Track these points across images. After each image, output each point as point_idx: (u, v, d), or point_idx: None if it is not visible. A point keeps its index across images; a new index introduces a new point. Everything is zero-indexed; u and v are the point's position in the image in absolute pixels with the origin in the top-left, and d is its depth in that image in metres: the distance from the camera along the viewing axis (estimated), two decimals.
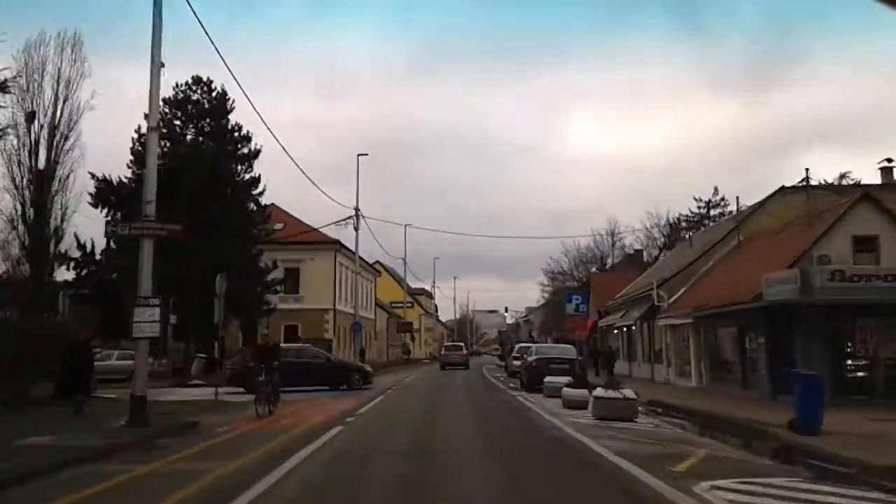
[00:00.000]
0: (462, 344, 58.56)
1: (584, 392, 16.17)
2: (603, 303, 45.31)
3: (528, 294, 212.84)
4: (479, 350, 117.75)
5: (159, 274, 15.23)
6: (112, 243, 31.53)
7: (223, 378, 23.68)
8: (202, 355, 28.33)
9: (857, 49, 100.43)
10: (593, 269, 61.90)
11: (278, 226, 50.27)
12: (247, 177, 37.70)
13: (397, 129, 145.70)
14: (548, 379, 20.10)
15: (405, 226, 59.28)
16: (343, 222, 37.47)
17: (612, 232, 61.39)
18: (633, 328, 37.17)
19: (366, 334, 61.50)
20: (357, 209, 38.54)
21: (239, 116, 38.31)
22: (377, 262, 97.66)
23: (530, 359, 24.38)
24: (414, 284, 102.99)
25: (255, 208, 38.34)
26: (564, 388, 16.93)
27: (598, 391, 13.60)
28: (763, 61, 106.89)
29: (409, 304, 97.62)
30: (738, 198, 59.82)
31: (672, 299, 30.29)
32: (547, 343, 50.93)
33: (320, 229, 44.87)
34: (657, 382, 30.32)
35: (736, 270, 25.70)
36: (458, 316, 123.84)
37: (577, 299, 22.58)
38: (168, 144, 35.24)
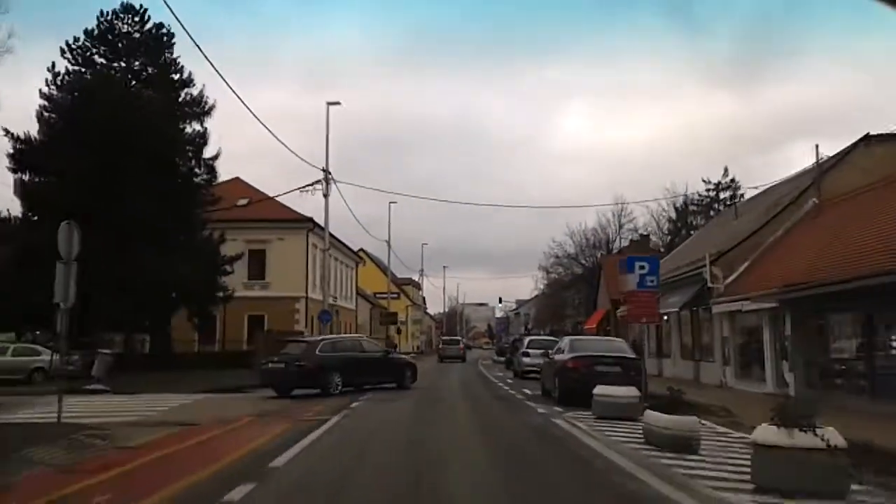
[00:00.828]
0: (459, 338, 54.29)
1: (687, 421, 9.40)
2: (618, 289, 38.75)
3: (517, 289, 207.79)
4: (468, 344, 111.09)
5: None
6: None
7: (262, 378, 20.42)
8: (105, 351, 21.46)
9: (848, 41, 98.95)
10: (600, 255, 55.32)
11: (242, 201, 43.33)
12: (189, 130, 30.59)
13: (385, 123, 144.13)
14: (600, 390, 13.04)
15: (390, 202, 51.85)
16: (310, 188, 30.33)
17: (619, 213, 54.75)
18: (666, 318, 30.61)
19: (346, 326, 54.62)
20: (326, 171, 31.36)
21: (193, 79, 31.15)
22: (361, 249, 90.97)
23: (565, 357, 16.88)
24: (401, 274, 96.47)
25: (201, 171, 31.30)
26: (649, 412, 10.08)
27: (765, 433, 6.75)
28: (754, 55, 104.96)
29: (395, 295, 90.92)
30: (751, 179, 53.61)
31: (729, 279, 23.68)
32: (542, 336, 44.03)
33: (285, 199, 38.06)
34: (707, 385, 23.66)
35: (834, 239, 19.10)
36: (446, 309, 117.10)
37: (645, 267, 15.26)
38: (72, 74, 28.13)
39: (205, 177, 31.44)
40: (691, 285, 26.24)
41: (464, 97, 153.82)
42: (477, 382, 27.97)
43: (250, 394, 20.56)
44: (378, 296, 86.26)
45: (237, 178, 45.54)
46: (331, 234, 45.85)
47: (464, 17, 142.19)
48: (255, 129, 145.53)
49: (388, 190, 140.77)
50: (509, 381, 27.73)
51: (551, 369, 18.56)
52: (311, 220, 41.46)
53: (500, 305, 75.52)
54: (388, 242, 51.37)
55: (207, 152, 31.62)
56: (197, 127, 31.05)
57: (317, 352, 20.08)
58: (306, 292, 41.44)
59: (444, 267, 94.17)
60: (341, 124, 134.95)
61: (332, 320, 31.51)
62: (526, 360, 27.50)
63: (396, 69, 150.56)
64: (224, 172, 34.81)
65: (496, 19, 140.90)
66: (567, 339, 21.52)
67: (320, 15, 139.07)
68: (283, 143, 52.48)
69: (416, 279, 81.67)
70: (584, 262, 53.97)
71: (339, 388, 19.71)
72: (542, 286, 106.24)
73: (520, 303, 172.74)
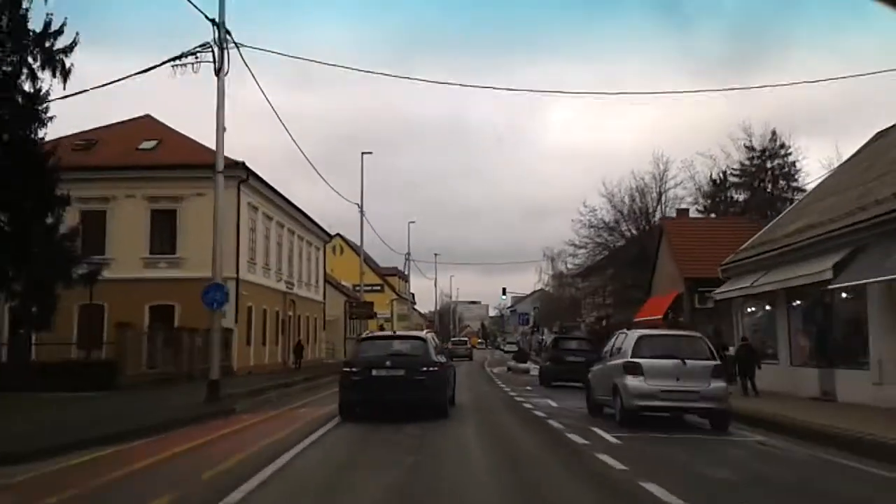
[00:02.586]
0: (467, 339, 51.21)
1: None
2: (694, 264, 26.30)
3: (510, 286, 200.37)
4: None
5: None
6: None
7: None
8: None
9: (839, 36, 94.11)
10: (659, 218, 42.69)
11: (148, 144, 30.70)
12: None
13: (371, 121, 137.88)
14: None
15: (363, 153, 38.58)
16: (193, 58, 17.10)
17: (660, 176, 41.98)
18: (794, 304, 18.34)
19: (308, 323, 41.95)
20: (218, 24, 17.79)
21: None
22: (338, 235, 78.29)
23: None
24: (384, 264, 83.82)
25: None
26: None
27: None
28: (743, 49, 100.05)
29: (378, 287, 78.28)
30: None
31: None
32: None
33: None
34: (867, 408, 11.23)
35: None
36: (437, 305, 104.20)
37: None
38: None
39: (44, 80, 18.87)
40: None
41: (451, 93, 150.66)
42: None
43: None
44: (358, 289, 73.69)
45: (148, 116, 32.88)
46: (274, 190, 33.26)
47: (451, 14, 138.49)
48: None
49: (378, 187, 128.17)
50: (582, 415, 14.52)
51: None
52: (242, 165, 28.78)
53: (503, 299, 62.49)
54: (360, 206, 38.46)
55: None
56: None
57: (434, 354, 13.91)
58: (237, 272, 28.76)
59: (434, 255, 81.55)
60: (322, 122, 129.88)
61: (226, 302, 18.80)
62: (641, 385, 12.76)
63: (382, 65, 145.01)
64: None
65: (483, 16, 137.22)
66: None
67: (306, 10, 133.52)
68: None
69: (402, 269, 68.94)
70: (627, 231, 41.19)
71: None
72: (547, 277, 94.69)
73: (516, 299, 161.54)
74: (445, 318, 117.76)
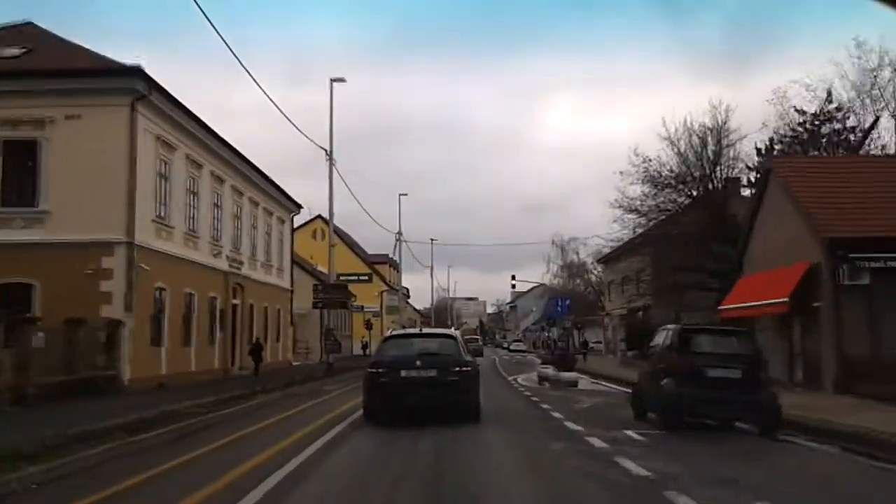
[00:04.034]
0: (478, 337, 47.17)
1: None
2: (839, 220, 16.63)
3: (506, 284, 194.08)
4: None
5: None
6: None
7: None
8: None
9: (837, 30, 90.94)
10: (681, 198, 32.65)
11: (12, 51, 21.05)
12: None
13: (367, 118, 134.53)
14: None
15: (332, 81, 28.24)
16: None
17: (718, 128, 31.87)
18: None
19: (268, 316, 32.39)
20: None
21: None
22: (319, 217, 68.54)
23: None
24: (372, 250, 74.07)
25: None
26: None
27: None
28: (743, 44, 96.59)
29: (366, 278, 68.44)
30: None
31: None
32: None
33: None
34: None
35: None
36: (434, 302, 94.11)
37: None
38: None
39: None
40: None
41: (446, 88, 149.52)
42: None
43: None
44: (342, 278, 63.88)
45: (30, 24, 23.06)
46: (202, 124, 23.64)
47: (447, 8, 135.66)
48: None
49: (371, 184, 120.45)
50: None
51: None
52: (139, 72, 19.00)
53: (513, 282, 52.67)
54: (329, 152, 27.93)
55: None
56: None
57: (465, 353, 12.98)
58: (129, 232, 18.95)
59: (431, 240, 71.62)
60: (316, 119, 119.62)
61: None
62: None
63: (378, 60, 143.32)
64: None
65: (480, 9, 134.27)
66: None
67: (300, 5, 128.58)
68: None
69: (393, 255, 59.05)
70: (695, 188, 30.98)
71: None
72: (556, 268, 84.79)
73: (516, 294, 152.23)
74: (442, 315, 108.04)
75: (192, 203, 23.76)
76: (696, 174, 29.96)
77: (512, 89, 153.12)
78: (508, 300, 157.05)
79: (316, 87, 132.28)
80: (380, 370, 12.17)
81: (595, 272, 70.32)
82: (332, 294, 27.74)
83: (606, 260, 53.49)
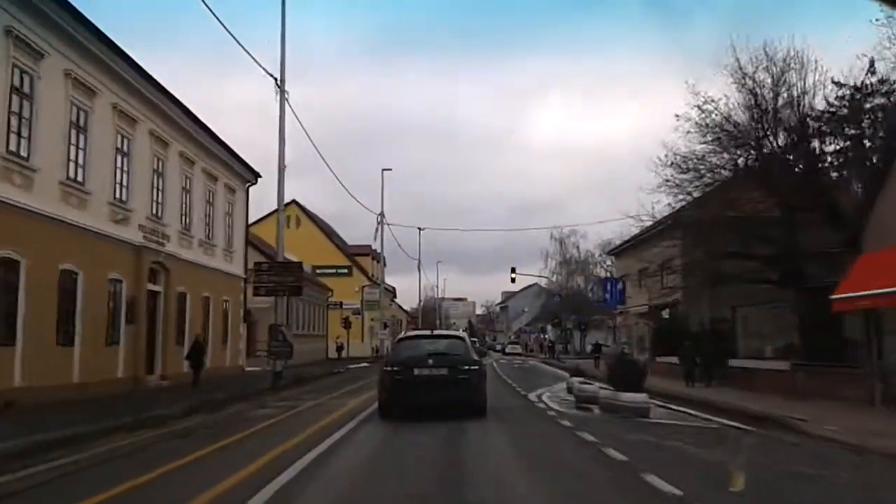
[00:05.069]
0: (476, 339, 40.96)
1: None
2: None
3: (496, 286, 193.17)
4: None
5: None
6: None
7: None
8: None
9: (831, 29, 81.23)
10: (739, 159, 25.72)
11: None
12: None
13: (358, 118, 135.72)
14: None
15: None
16: None
17: (778, 77, 24.91)
18: None
19: (212, 309, 25.47)
20: None
21: None
22: (294, 201, 61.46)
23: None
24: (353, 241, 66.99)
25: None
26: None
27: None
28: (736, 45, 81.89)
29: (345, 271, 61.25)
30: None
31: None
32: None
33: None
34: None
35: None
36: (421, 300, 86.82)
37: None
38: None
39: None
40: None
41: (438, 88, 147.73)
42: None
43: None
44: (319, 270, 56.71)
45: None
46: (92, 29, 16.46)
47: (438, 7, 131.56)
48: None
49: (362, 184, 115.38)
50: None
51: None
52: None
53: (513, 275, 46.21)
54: (280, 80, 20.35)
55: None
56: None
57: (474, 353, 13.88)
58: None
59: (418, 229, 64.44)
60: (307, 118, 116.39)
61: None
62: None
63: (369, 60, 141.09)
64: None
65: (473, 9, 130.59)
66: None
67: (289, 3, 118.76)
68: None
69: (375, 246, 51.82)
70: (771, 143, 23.92)
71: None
72: (554, 263, 77.76)
73: (507, 294, 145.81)
74: (430, 316, 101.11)
75: (79, 143, 16.66)
76: (770, 126, 22.98)
77: (504, 89, 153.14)
78: (499, 301, 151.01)
79: (307, 85, 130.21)
80: (395, 368, 12.84)
81: (604, 266, 63.47)
82: (281, 276, 20.26)
83: (619, 251, 46.64)
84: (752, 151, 23.38)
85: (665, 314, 35.18)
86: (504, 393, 19.30)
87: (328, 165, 70.72)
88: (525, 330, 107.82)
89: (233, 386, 18.43)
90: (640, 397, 12.02)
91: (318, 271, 55.67)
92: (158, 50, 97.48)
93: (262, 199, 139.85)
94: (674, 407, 14.26)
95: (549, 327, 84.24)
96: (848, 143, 27.63)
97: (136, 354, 19.34)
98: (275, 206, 63.83)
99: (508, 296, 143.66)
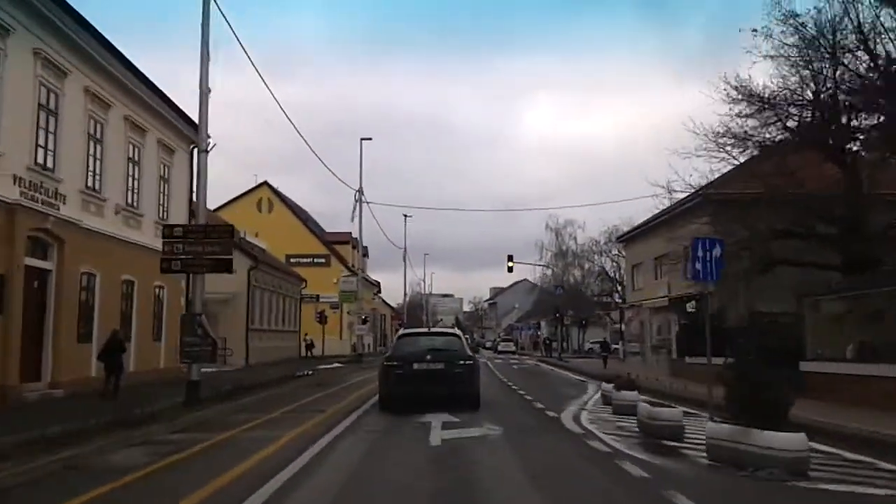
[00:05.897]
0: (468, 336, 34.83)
1: None
2: None
3: (485, 282, 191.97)
4: None
5: None
6: None
7: None
8: None
9: None
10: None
11: None
12: None
13: (348, 114, 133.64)
14: None
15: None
16: None
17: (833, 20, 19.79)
18: None
19: (138, 295, 19.79)
20: None
21: None
22: (265, 182, 55.88)
23: None
24: (332, 229, 61.48)
25: None
26: None
27: None
28: (726, 46, 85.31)
29: (322, 260, 55.57)
30: None
31: None
32: None
33: None
34: None
35: None
36: (406, 295, 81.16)
37: None
38: None
39: None
40: None
41: (428, 87, 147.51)
42: None
43: None
44: (294, 260, 51.10)
45: None
46: None
47: (429, 6, 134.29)
48: None
49: (355, 182, 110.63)
50: None
51: None
52: None
53: (510, 263, 41.40)
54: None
55: None
56: None
57: (468, 349, 15.01)
58: None
59: (404, 216, 58.86)
60: (298, 115, 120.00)
61: None
62: None
63: (358, 58, 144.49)
64: None
65: (462, 9, 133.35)
66: None
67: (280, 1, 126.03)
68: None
69: (353, 230, 46.15)
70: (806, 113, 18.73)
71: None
72: (550, 255, 72.37)
73: (496, 290, 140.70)
74: (417, 312, 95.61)
75: None
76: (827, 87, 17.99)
77: (493, 89, 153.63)
78: (487, 297, 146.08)
79: (302, 84, 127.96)
80: (395, 363, 13.94)
81: (609, 255, 58.26)
82: (202, 245, 14.09)
83: (630, 238, 41.38)
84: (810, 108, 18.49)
85: (690, 307, 29.92)
86: (522, 411, 13.81)
87: (300, 133, 65.38)
88: (517, 326, 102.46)
89: (136, 398, 12.99)
90: (795, 440, 6.42)
91: (292, 260, 50.13)
92: None
93: (231, 183, 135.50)
94: (824, 448, 8.58)
95: (542, 323, 78.95)
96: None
97: (3, 357, 13.85)
98: (247, 187, 57.70)
99: (498, 291, 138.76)
